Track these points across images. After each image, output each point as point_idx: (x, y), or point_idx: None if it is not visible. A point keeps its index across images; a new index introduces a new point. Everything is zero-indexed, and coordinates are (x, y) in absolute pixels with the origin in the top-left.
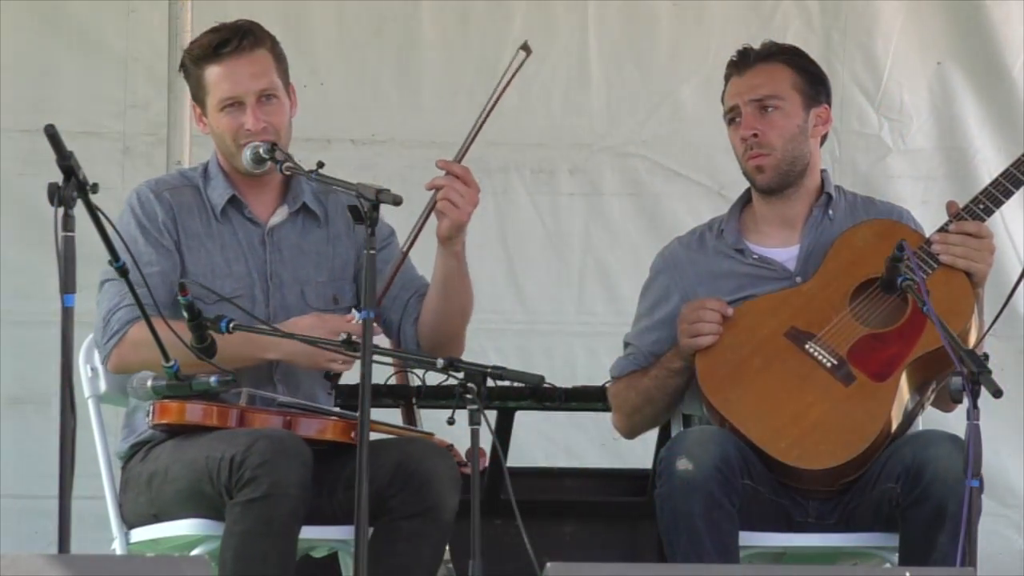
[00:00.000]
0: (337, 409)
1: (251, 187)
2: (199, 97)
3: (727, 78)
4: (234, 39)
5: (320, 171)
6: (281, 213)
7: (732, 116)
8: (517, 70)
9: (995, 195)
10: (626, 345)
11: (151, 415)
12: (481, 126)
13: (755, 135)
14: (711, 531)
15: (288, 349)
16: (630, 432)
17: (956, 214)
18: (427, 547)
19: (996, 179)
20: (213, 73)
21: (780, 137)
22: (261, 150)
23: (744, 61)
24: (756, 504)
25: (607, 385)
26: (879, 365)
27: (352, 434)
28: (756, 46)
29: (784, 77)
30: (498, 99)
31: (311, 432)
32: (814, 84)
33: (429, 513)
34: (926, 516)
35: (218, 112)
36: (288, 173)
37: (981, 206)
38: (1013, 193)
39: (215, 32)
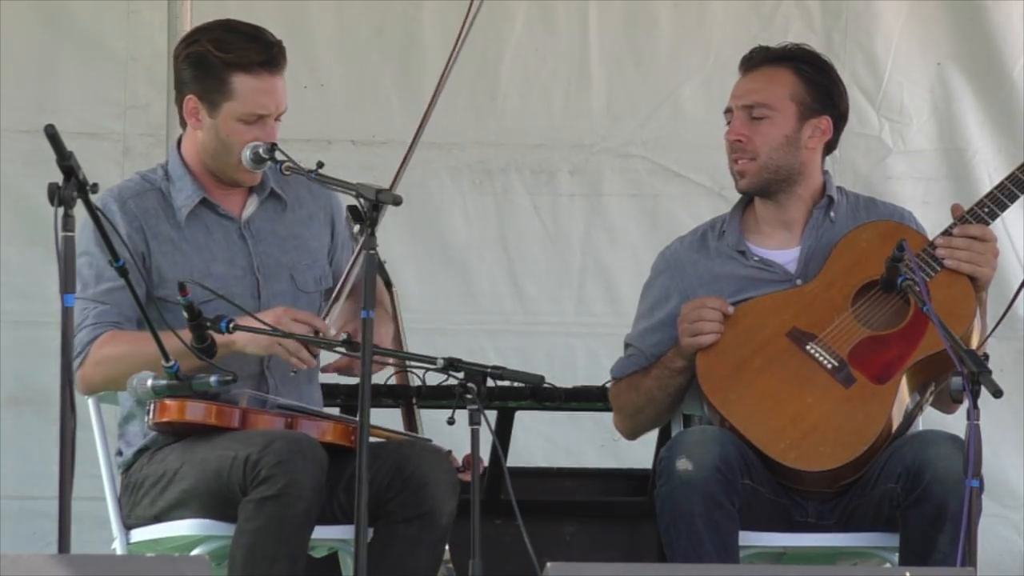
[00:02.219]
0: (336, 412)
1: (221, 185)
2: (211, 97)
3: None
4: (280, 58)
5: (320, 171)
6: (252, 204)
7: (728, 118)
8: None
9: (1000, 198)
10: (627, 346)
11: (151, 414)
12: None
13: (739, 140)
14: (711, 531)
15: (241, 340)
16: (632, 433)
17: (961, 217)
18: (424, 551)
19: (1001, 182)
20: (247, 83)
21: (765, 145)
22: (261, 150)
23: (750, 61)
24: (756, 504)
25: (608, 386)
26: (880, 367)
27: (352, 438)
28: (764, 46)
29: (784, 85)
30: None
31: (312, 434)
32: (818, 95)
33: (426, 517)
34: (926, 516)
35: (236, 121)
36: (287, 174)
37: (986, 209)
38: (1018, 197)
39: (249, 39)
